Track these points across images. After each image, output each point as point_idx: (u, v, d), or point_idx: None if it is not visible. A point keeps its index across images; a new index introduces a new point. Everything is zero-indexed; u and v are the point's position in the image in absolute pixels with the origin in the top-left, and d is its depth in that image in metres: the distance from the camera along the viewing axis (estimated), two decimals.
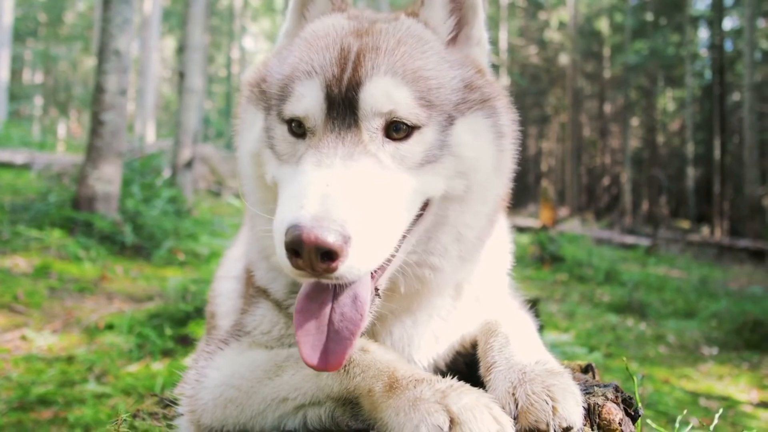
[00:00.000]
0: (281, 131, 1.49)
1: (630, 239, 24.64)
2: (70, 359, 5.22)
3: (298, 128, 1.45)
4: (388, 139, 1.43)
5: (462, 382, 1.32)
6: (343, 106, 1.41)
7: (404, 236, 1.44)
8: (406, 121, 1.42)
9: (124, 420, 1.76)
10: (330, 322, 1.33)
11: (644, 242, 23.38)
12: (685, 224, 36.75)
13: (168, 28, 46.12)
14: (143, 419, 1.93)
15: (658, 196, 42.21)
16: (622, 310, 11.29)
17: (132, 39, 9.70)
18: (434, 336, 1.69)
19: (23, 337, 5.55)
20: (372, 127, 1.41)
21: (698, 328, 10.28)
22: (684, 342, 9.44)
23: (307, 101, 1.43)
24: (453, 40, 1.65)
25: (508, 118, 1.63)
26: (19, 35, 39.21)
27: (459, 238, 1.56)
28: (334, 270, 1.21)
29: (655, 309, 11.60)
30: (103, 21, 9.21)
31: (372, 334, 1.66)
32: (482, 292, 1.78)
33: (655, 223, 32.31)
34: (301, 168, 1.36)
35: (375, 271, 1.38)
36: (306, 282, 1.35)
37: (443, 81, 1.49)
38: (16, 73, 42.06)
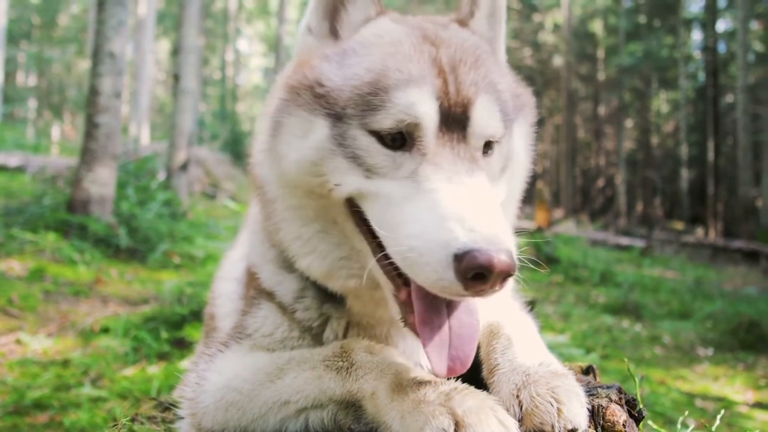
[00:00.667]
0: (368, 142, 1.41)
1: (625, 240, 24.69)
2: (65, 363, 5.19)
3: (392, 141, 1.40)
4: (484, 153, 1.47)
5: (466, 385, 1.31)
6: (452, 121, 1.40)
7: None
8: (497, 138, 1.48)
9: (123, 424, 1.74)
10: (451, 329, 1.32)
11: (639, 243, 23.42)
12: (679, 225, 36.86)
13: (162, 30, 46.06)
14: (141, 423, 1.92)
15: (653, 198, 42.35)
16: (618, 311, 11.30)
17: (126, 41, 9.68)
18: None
19: (18, 341, 5.52)
20: (478, 144, 1.44)
21: (693, 329, 10.30)
22: (679, 343, 9.45)
23: (420, 110, 1.38)
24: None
25: (533, 122, 1.72)
26: (12, 37, 39.06)
27: None
28: (499, 288, 1.24)
29: (651, 310, 11.62)
30: (98, 23, 9.18)
31: (376, 336, 1.65)
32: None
33: (649, 224, 32.40)
34: (427, 185, 1.32)
35: None
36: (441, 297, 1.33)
37: (508, 91, 1.55)
38: (9, 75, 41.91)
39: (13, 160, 15.97)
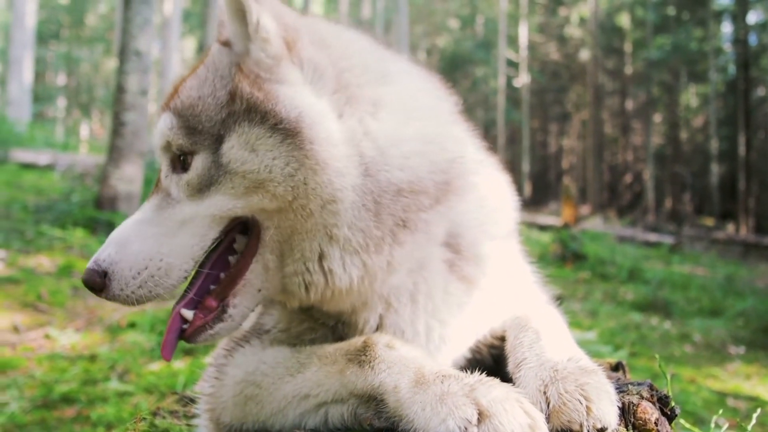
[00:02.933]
0: None
1: (653, 237, 24.35)
2: (92, 358, 5.25)
3: None
4: (178, 171, 1.53)
5: (491, 378, 1.28)
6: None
7: (242, 263, 1.54)
8: (176, 150, 1.52)
9: (144, 418, 1.74)
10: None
11: (668, 240, 23.10)
12: (709, 221, 36.29)
13: (188, 28, 46.47)
14: (164, 417, 1.91)
15: (682, 193, 41.76)
16: (646, 308, 11.16)
17: (152, 40, 9.76)
18: (437, 319, 1.63)
19: (47, 336, 5.59)
20: (164, 163, 1.58)
21: (724, 327, 10.13)
22: (710, 341, 9.30)
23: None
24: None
25: (294, 114, 1.45)
26: (42, 38, 39.75)
27: (332, 238, 1.48)
28: (104, 297, 1.51)
29: (680, 307, 11.45)
30: (124, 22, 9.28)
31: (354, 324, 1.62)
32: (495, 265, 1.70)
33: (678, 220, 31.95)
34: None
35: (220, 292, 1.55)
36: None
37: (210, 103, 1.49)
38: (39, 75, 42.66)
39: (42, 158, 16.22)
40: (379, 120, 1.53)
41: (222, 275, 1.55)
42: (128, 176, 9.08)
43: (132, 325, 6.02)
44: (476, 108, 48.39)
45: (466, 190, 1.64)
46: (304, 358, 1.52)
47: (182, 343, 4.91)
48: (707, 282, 14.68)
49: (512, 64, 45.49)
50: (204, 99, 1.49)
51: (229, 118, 1.46)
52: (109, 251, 1.48)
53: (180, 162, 1.52)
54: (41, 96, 41.22)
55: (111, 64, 44.66)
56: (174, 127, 1.50)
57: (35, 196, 10.84)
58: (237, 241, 1.56)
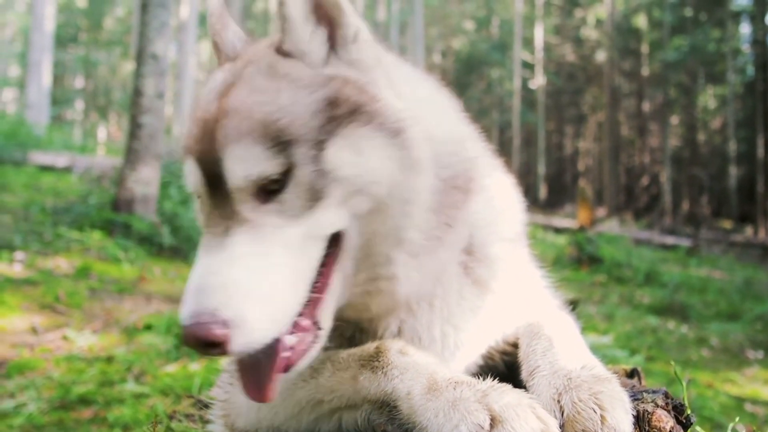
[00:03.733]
0: (196, 203, 1.51)
1: (670, 240, 24.16)
2: (109, 359, 5.29)
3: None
4: (264, 199, 1.36)
5: (504, 384, 1.28)
6: (214, 180, 1.38)
7: (324, 275, 1.42)
8: (270, 177, 1.35)
9: (160, 422, 1.75)
10: (258, 363, 1.36)
11: (685, 243, 22.91)
12: (727, 224, 35.93)
13: (205, 31, 46.72)
14: (179, 421, 1.93)
15: (699, 196, 41.39)
16: (663, 312, 11.09)
17: (169, 43, 9.84)
18: (452, 326, 1.63)
19: (64, 337, 5.65)
20: (243, 195, 1.36)
21: (743, 331, 10.04)
22: (728, 345, 9.22)
23: (191, 181, 1.45)
24: (333, 48, 1.50)
25: (398, 114, 1.46)
26: (60, 41, 40.16)
27: (399, 242, 1.47)
28: (228, 353, 1.24)
29: (698, 311, 11.36)
30: (141, 25, 9.35)
31: (374, 332, 1.62)
32: (506, 268, 1.70)
33: (696, 223, 31.63)
34: (197, 254, 1.38)
35: (309, 311, 1.41)
36: None
37: (297, 111, 1.38)
38: (58, 78, 43.10)
39: (60, 160, 16.36)
40: (431, 121, 1.56)
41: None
42: (145, 179, 9.15)
43: (148, 327, 6.06)
44: (491, 110, 48.26)
45: (480, 190, 1.65)
46: (317, 364, 1.52)
47: None
48: (725, 285, 14.55)
49: (528, 66, 45.35)
50: (287, 109, 1.37)
51: (328, 123, 1.38)
52: (220, 297, 1.25)
53: (266, 187, 1.36)
54: (59, 99, 41.65)
55: (128, 67, 45.04)
56: (260, 154, 1.34)
57: (53, 198, 10.95)
58: None
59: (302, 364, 1.39)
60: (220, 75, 1.53)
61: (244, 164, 1.33)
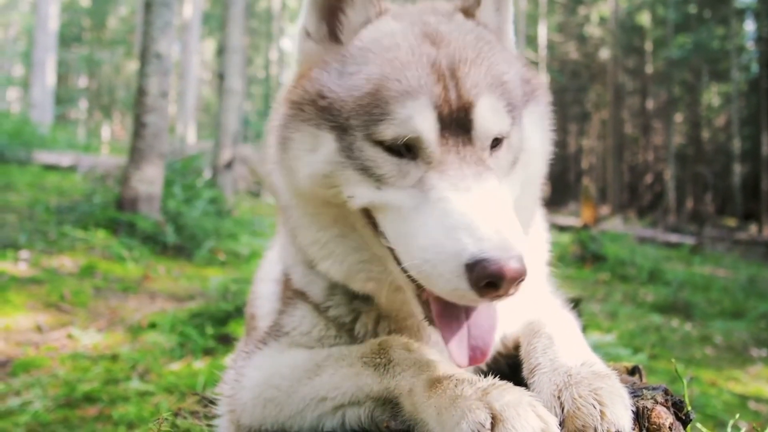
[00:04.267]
0: (375, 152, 1.39)
1: (674, 238, 24.13)
2: (114, 357, 5.32)
3: (405, 150, 1.39)
4: (491, 150, 1.43)
5: (505, 381, 1.29)
6: (455, 125, 1.37)
7: None
8: (507, 133, 1.44)
9: (166, 419, 1.77)
10: (469, 321, 1.34)
11: (689, 241, 22.88)
12: (731, 222, 35.85)
13: (208, 30, 46.82)
14: (185, 418, 1.94)
15: (704, 194, 41.31)
16: (667, 310, 11.08)
17: (173, 42, 9.85)
18: None
19: (69, 336, 5.68)
20: (485, 145, 1.40)
21: (746, 329, 10.03)
22: (731, 343, 9.22)
23: (418, 123, 1.36)
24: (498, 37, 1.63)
25: (547, 102, 1.67)
26: (64, 40, 40.25)
27: (534, 211, 1.69)
28: (516, 288, 1.23)
29: (701, 309, 11.35)
30: (145, 25, 9.37)
31: (416, 329, 1.64)
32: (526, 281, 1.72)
33: (700, 221, 31.57)
34: (434, 194, 1.31)
35: None
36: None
37: (515, 81, 1.49)
38: (62, 77, 43.18)
39: (65, 159, 16.41)
40: None
41: None
42: (149, 178, 9.17)
43: (153, 326, 6.09)
44: None
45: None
46: (321, 361, 1.54)
47: (202, 344, 4.93)
48: (729, 283, 14.53)
49: (532, 64, 45.28)
50: (510, 77, 1.49)
51: (524, 97, 1.53)
52: (516, 236, 1.25)
53: (493, 142, 1.43)
54: (63, 98, 41.70)
55: (132, 66, 45.12)
56: (504, 113, 1.42)
57: (58, 197, 10.99)
58: None
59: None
60: (396, 24, 1.54)
61: (494, 115, 1.40)
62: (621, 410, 1.22)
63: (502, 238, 1.20)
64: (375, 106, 1.38)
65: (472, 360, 1.30)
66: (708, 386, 6.80)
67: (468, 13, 1.59)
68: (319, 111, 1.46)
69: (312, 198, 1.53)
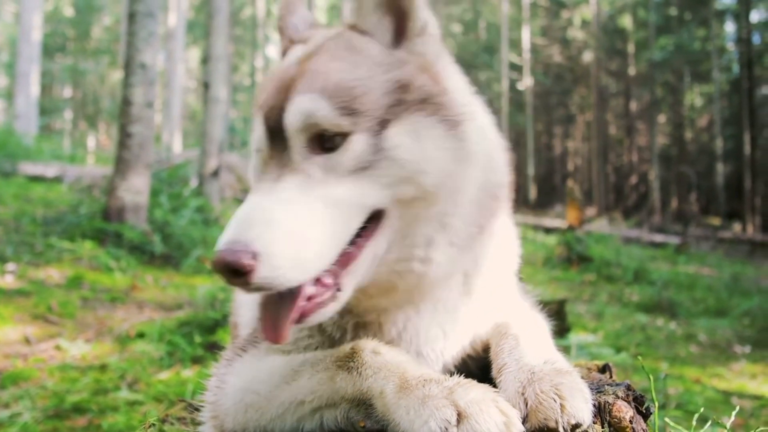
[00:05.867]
0: (255, 160, 1.61)
1: (659, 237, 24.33)
2: (102, 367, 5.34)
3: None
4: (318, 152, 1.45)
5: (470, 380, 1.35)
6: (277, 132, 1.48)
7: (357, 246, 1.48)
8: (327, 130, 1.43)
9: (153, 424, 1.82)
10: (276, 306, 1.44)
11: (674, 240, 23.07)
12: (715, 221, 36.17)
13: (192, 39, 46.75)
14: (172, 424, 1.99)
15: (688, 194, 41.62)
16: (652, 309, 11.20)
17: (157, 52, 9.86)
18: (442, 330, 1.70)
19: (57, 347, 5.69)
20: (298, 144, 1.45)
21: (730, 327, 10.16)
22: (715, 341, 9.33)
23: (256, 137, 1.54)
24: (399, 37, 1.60)
25: (460, 108, 1.57)
26: (48, 51, 40.01)
27: (444, 227, 1.56)
28: (249, 283, 1.30)
29: (686, 308, 11.48)
30: (129, 35, 9.38)
31: (378, 325, 1.69)
32: (493, 286, 1.78)
33: (684, 220, 31.83)
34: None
35: (335, 272, 1.46)
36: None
37: (372, 86, 1.47)
38: (46, 88, 42.94)
39: (50, 170, 16.33)
40: (484, 120, 1.72)
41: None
42: (135, 188, 9.17)
43: (141, 335, 6.11)
44: None
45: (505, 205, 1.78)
46: (297, 366, 1.59)
47: (190, 352, 4.96)
48: (713, 282, 14.70)
49: (515, 68, 45.54)
50: (363, 82, 1.46)
51: (397, 105, 1.47)
52: (257, 231, 1.32)
53: (322, 142, 1.45)
54: (48, 109, 41.47)
55: (116, 75, 44.91)
56: (325, 108, 1.42)
57: (44, 209, 10.95)
58: None
59: (315, 318, 1.45)
60: (298, 49, 1.64)
61: (302, 110, 1.43)
62: (581, 404, 1.28)
63: (235, 233, 1.32)
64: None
65: (272, 337, 1.41)
66: (692, 383, 6.90)
67: (353, 26, 1.63)
68: None
69: None
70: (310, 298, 1.43)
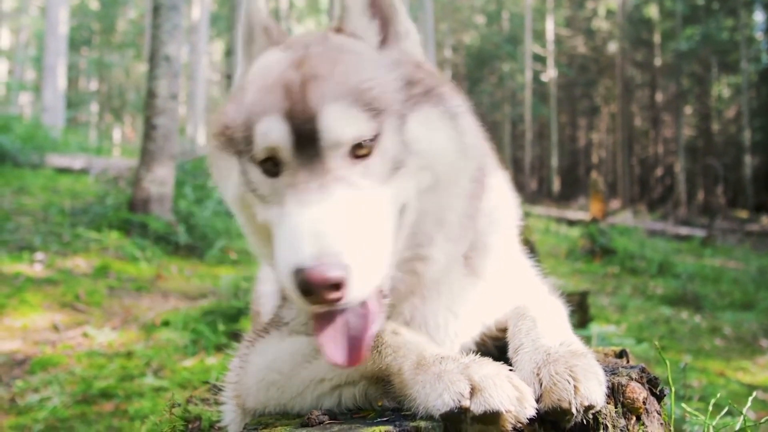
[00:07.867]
0: (256, 174, 1.51)
1: (684, 230, 24.05)
2: (129, 355, 5.45)
3: (273, 167, 1.48)
4: (354, 159, 1.44)
5: (485, 358, 1.38)
6: (304, 138, 1.43)
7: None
8: (364, 138, 1.43)
9: (178, 404, 1.87)
10: (345, 322, 1.40)
11: (699, 233, 22.79)
12: (742, 214, 35.59)
13: (216, 32, 46.96)
14: (196, 404, 2.05)
15: (714, 186, 41.06)
16: (676, 302, 11.10)
17: (181, 44, 9.95)
18: (452, 312, 1.74)
19: (85, 334, 5.81)
20: (338, 154, 1.43)
21: (756, 320, 10.04)
22: (741, 334, 9.24)
23: (272, 136, 1.45)
24: (384, 42, 1.66)
25: (456, 100, 1.63)
26: (74, 44, 40.49)
27: (441, 223, 1.61)
28: (342, 298, 1.29)
29: (711, 301, 11.37)
30: (154, 28, 9.49)
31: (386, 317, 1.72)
32: (501, 257, 1.82)
33: (711, 213, 31.41)
34: (286, 210, 1.40)
35: None
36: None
37: (385, 85, 1.50)
38: (72, 81, 43.46)
39: (77, 162, 16.52)
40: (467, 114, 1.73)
41: None
42: (160, 179, 9.29)
43: (166, 324, 6.21)
44: (503, 104, 48.13)
45: (490, 186, 1.79)
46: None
47: (214, 340, 5.03)
48: (739, 275, 14.50)
49: (539, 59, 45.16)
50: (375, 81, 1.49)
51: (407, 100, 1.52)
52: (340, 244, 1.29)
53: (355, 150, 1.44)
54: (74, 102, 41.98)
55: (141, 68, 45.31)
56: (355, 116, 1.43)
57: (71, 200, 11.12)
58: None
59: (376, 328, 1.43)
60: (279, 54, 1.63)
61: (342, 122, 1.42)
62: (594, 386, 1.30)
63: (319, 246, 1.28)
64: (248, 129, 1.50)
65: (349, 361, 1.37)
66: (715, 376, 6.85)
67: (339, 30, 1.66)
68: (228, 140, 1.59)
69: (243, 221, 1.68)
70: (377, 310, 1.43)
